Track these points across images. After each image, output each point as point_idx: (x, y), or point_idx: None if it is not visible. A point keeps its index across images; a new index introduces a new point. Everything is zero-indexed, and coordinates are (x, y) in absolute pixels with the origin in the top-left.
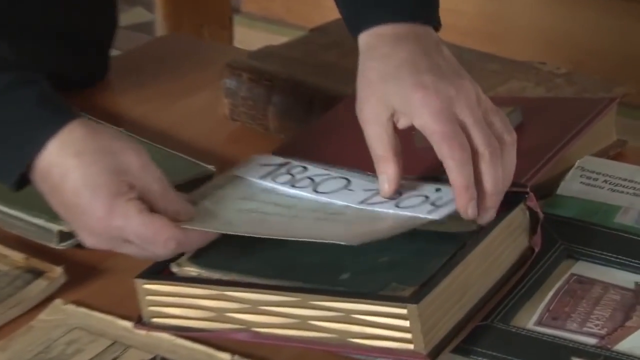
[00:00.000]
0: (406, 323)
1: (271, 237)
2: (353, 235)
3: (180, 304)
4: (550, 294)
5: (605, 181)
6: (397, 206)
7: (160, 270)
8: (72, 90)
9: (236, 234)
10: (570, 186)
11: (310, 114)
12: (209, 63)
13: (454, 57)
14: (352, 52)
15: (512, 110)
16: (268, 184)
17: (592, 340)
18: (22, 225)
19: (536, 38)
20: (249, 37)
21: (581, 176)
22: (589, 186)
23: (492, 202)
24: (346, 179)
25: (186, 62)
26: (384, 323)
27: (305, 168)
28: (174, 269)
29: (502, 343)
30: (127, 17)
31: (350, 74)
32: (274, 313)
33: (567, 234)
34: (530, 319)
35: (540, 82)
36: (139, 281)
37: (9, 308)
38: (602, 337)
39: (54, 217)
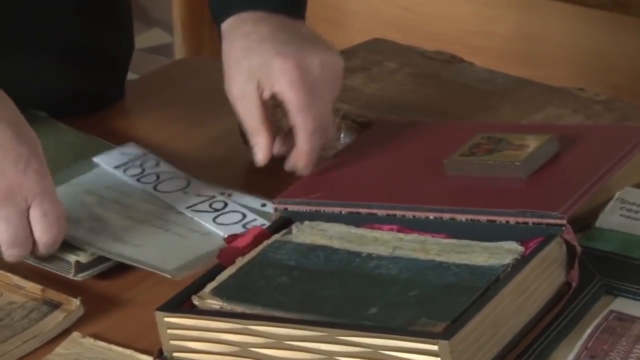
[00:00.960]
0: None
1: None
2: (175, 266)
3: (202, 338)
4: (588, 331)
5: None
6: (214, 220)
7: (181, 303)
8: (87, 114)
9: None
10: (610, 219)
11: (337, 140)
12: None
13: (488, 82)
14: (380, 77)
15: (548, 138)
16: (118, 175)
17: None
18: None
19: (575, 61)
20: None
21: (621, 208)
22: (629, 219)
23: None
24: (187, 180)
25: (206, 86)
26: None
27: (157, 163)
28: (196, 301)
29: None
30: (145, 39)
31: (378, 99)
32: (299, 348)
33: (606, 269)
34: (567, 358)
35: (578, 109)
36: (159, 314)
37: (25, 341)
38: None
39: (70, 247)
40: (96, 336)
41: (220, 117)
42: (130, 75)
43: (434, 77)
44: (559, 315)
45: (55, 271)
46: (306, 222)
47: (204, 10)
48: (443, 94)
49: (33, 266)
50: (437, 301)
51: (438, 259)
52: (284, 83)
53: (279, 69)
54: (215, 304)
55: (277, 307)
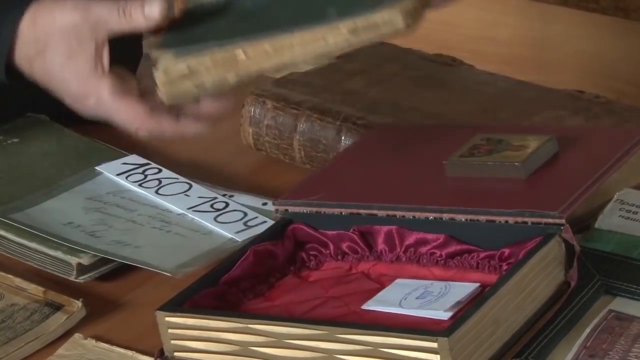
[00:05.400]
0: (437, 357)
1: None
2: (176, 265)
3: (203, 337)
4: (587, 330)
5: None
6: (215, 219)
7: (182, 303)
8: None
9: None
10: (609, 220)
11: (338, 143)
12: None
13: (488, 84)
14: (380, 80)
15: (547, 139)
16: (120, 181)
17: None
18: (40, 257)
19: (577, 66)
20: None
21: (620, 209)
22: (628, 220)
23: None
24: (189, 184)
25: None
26: (413, 357)
27: (160, 170)
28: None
29: None
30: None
31: (378, 101)
32: (300, 347)
33: (606, 269)
34: (566, 357)
35: (578, 111)
36: (160, 314)
37: (27, 342)
38: None
39: (71, 249)
40: (98, 338)
41: (222, 121)
42: None
43: (435, 80)
44: (558, 314)
45: (56, 273)
46: None
47: None
48: (443, 96)
49: (35, 268)
50: None
51: None
52: None
53: None
54: (162, 56)
55: (229, 36)
